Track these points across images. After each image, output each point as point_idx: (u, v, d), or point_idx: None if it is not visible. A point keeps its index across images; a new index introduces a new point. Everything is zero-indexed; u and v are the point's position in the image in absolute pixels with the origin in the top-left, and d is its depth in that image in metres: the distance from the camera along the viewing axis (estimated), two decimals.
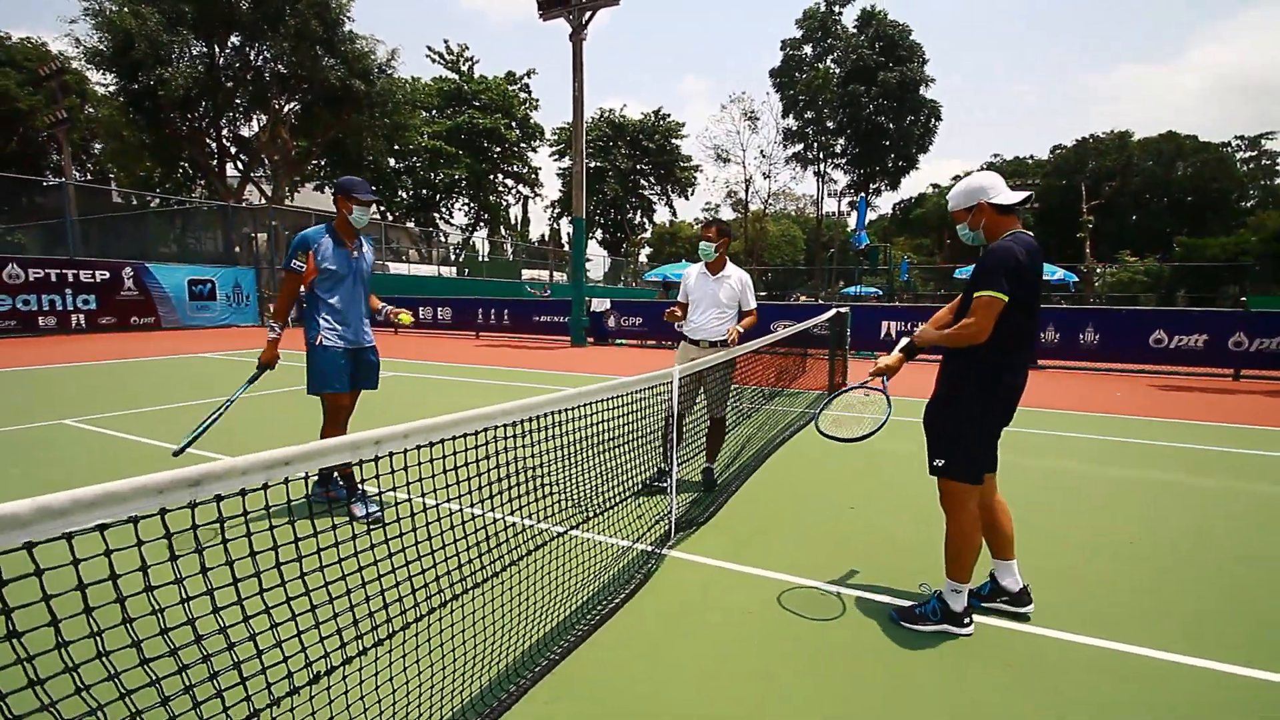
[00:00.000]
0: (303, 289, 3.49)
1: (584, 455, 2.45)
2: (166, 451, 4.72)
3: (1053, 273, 14.19)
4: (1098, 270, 37.12)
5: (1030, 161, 57.67)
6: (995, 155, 61.78)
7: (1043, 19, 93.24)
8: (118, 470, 4.33)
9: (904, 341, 2.70)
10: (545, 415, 2.00)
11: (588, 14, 13.22)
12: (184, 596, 1.12)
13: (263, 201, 24.73)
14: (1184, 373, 9.56)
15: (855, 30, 46.79)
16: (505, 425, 1.81)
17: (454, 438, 1.63)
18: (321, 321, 3.46)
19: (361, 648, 1.53)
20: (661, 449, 3.47)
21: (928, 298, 34.40)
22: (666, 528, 3.03)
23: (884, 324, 11.39)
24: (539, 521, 2.41)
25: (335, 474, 3.56)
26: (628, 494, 2.89)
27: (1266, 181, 48.06)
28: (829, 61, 47.62)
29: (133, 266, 15.95)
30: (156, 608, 1.09)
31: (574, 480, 2.52)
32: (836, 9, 47.42)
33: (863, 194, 16.79)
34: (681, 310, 4.09)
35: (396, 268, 30.66)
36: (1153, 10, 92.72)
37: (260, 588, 1.29)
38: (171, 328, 16.31)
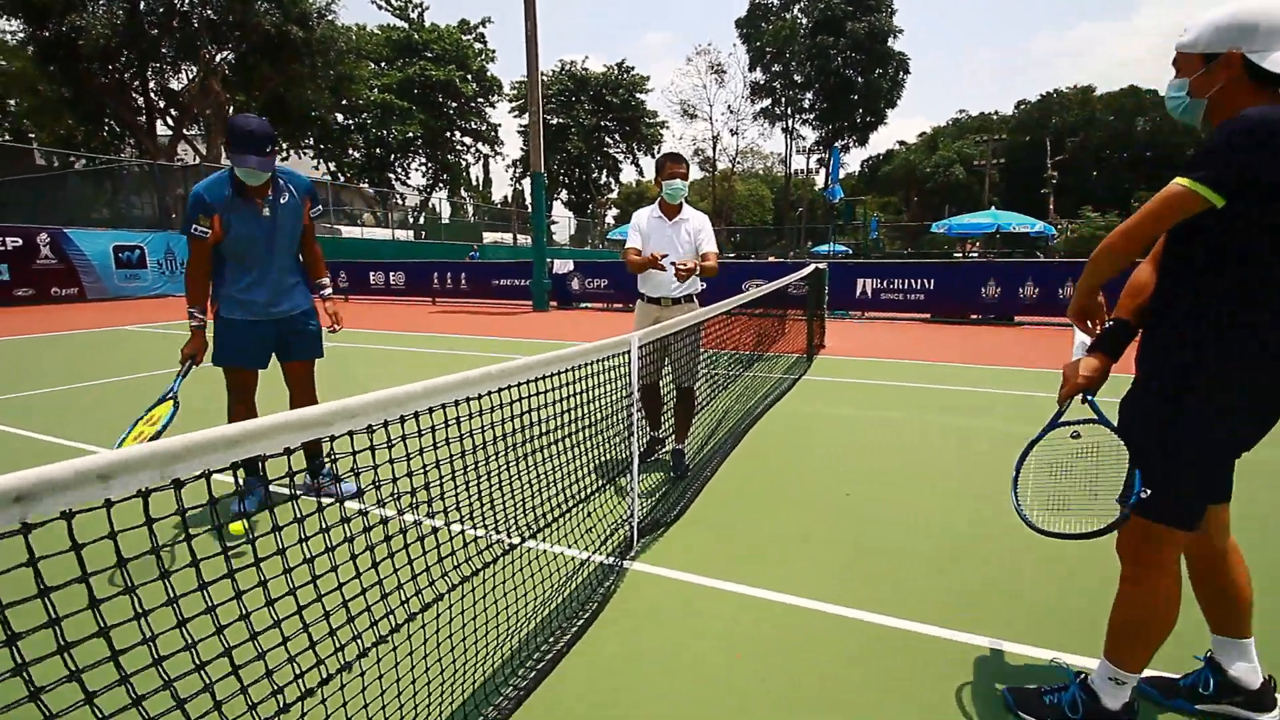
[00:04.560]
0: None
1: (521, 448, 1.93)
2: (60, 447, 4.04)
3: (1033, 225, 14.01)
4: (1061, 225, 37.53)
5: (995, 117, 57.57)
6: (961, 111, 61.61)
7: None
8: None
9: (1085, 330, 1.68)
10: (461, 401, 1.46)
11: None
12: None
13: (197, 160, 22.91)
14: None
15: None
16: (405, 417, 1.28)
17: (334, 437, 1.11)
18: (223, 291, 2.89)
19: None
20: (629, 430, 2.90)
21: (896, 256, 34.34)
22: (627, 533, 2.47)
23: (859, 282, 10.97)
24: (452, 548, 1.89)
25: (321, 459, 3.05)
26: (584, 491, 2.38)
27: None
28: (796, 10, 46.21)
29: (48, 232, 14.53)
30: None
31: (510, 481, 2.00)
32: None
33: (835, 146, 16.22)
34: (637, 254, 3.52)
35: (349, 231, 29.14)
36: None
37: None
38: (98, 298, 15.02)
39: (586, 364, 2.01)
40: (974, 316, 10.53)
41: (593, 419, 2.26)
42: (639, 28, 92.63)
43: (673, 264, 3.27)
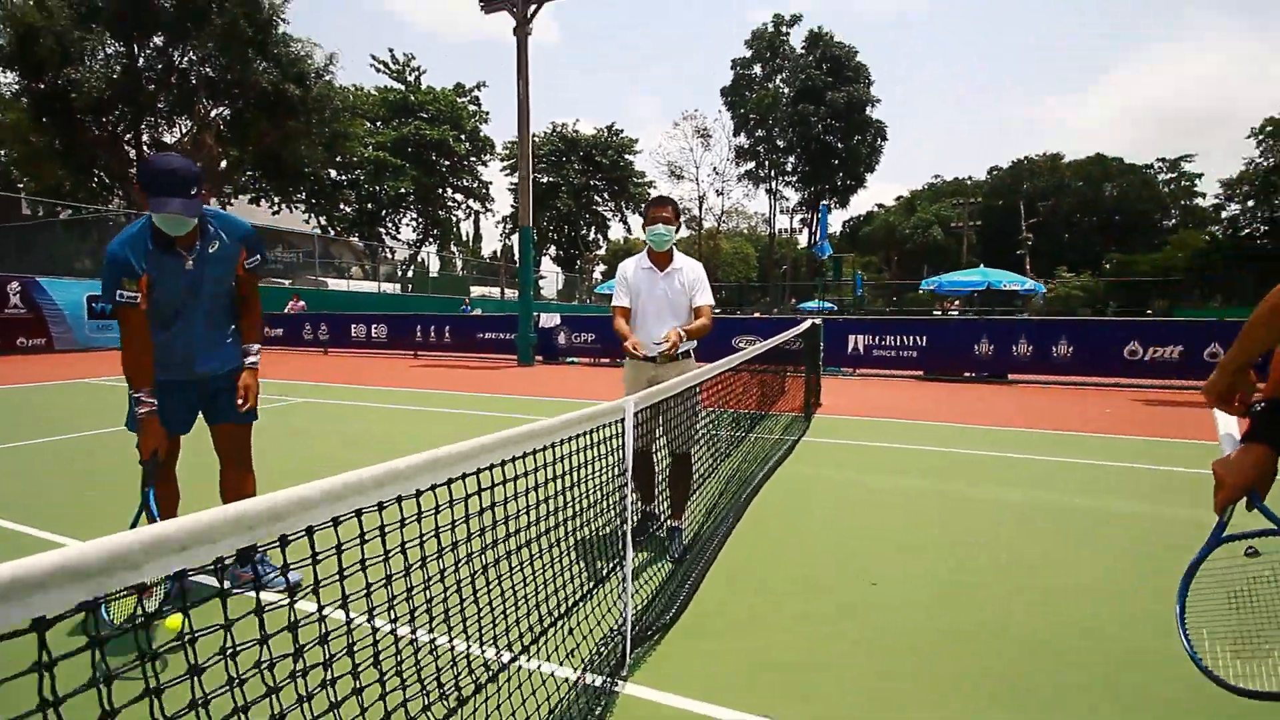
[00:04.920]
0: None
1: (499, 545, 1.58)
2: None
3: (1023, 283, 14.19)
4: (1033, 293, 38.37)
5: (969, 182, 59.93)
6: (936, 176, 64.04)
7: (971, 57, 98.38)
8: None
9: (1232, 412, 1.32)
10: (425, 491, 1.12)
11: (532, 6, 12.47)
12: None
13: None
14: (1161, 386, 9.31)
15: (803, 51, 47.83)
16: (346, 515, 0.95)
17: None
18: None
19: None
20: (621, 516, 2.40)
21: (877, 313, 34.78)
22: (620, 645, 2.00)
23: (851, 338, 10.83)
24: (417, 666, 1.50)
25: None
26: (568, 600, 1.99)
27: (1186, 202, 51.10)
28: (778, 81, 48.45)
29: (20, 281, 14.13)
30: None
31: (481, 585, 1.63)
32: (784, 30, 48.44)
33: (824, 203, 16.48)
34: (623, 316, 3.20)
35: (336, 284, 28.98)
36: (1066, 48, 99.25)
37: None
38: (66, 349, 14.48)
39: (572, 437, 1.68)
40: (967, 374, 10.38)
41: (578, 505, 1.91)
42: (629, 96, 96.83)
43: (657, 344, 2.96)
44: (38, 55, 19.73)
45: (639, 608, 2.38)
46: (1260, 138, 29.04)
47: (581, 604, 2.02)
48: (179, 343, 2.53)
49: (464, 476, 1.24)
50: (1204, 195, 49.59)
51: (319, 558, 1.01)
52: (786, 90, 47.74)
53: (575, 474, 1.84)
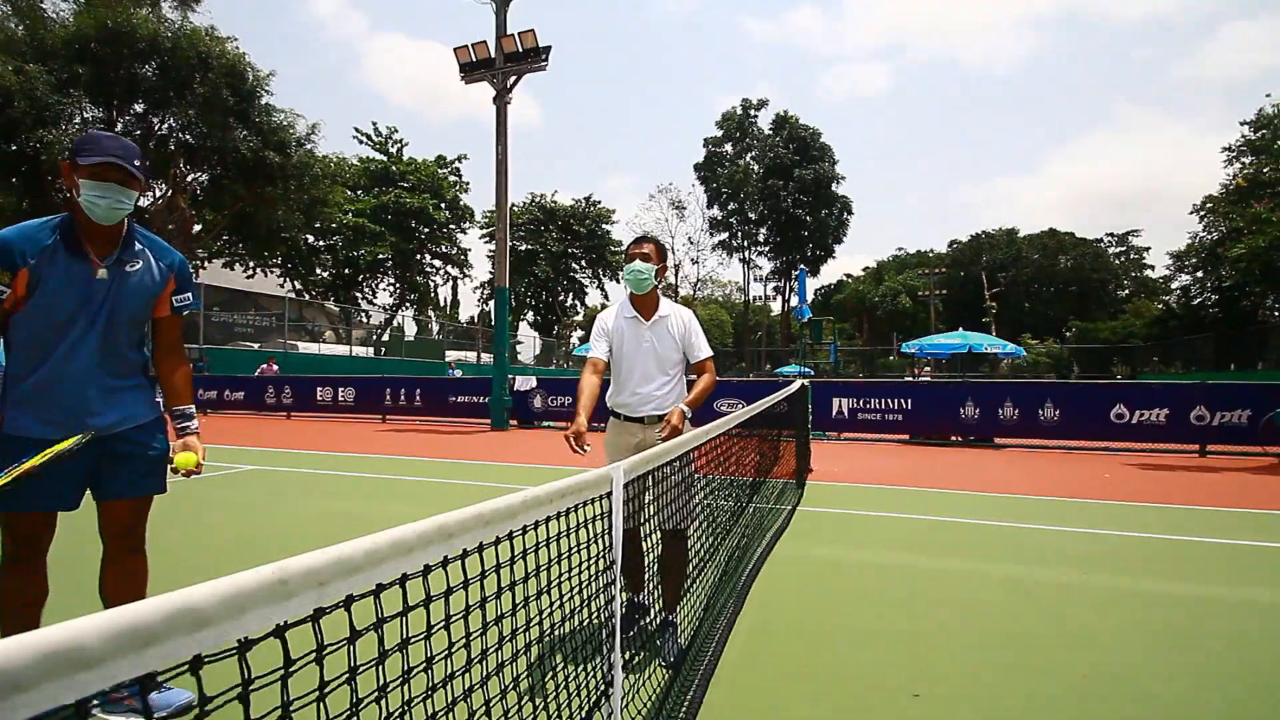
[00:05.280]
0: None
1: (449, 657, 1.12)
2: None
3: (1004, 346, 14.29)
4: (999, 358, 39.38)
5: (931, 254, 62.54)
6: (900, 249, 66.84)
7: (924, 141, 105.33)
8: None
9: None
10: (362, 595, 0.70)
11: (511, 79, 12.74)
12: None
13: None
14: (1148, 449, 9.15)
15: (771, 132, 50.45)
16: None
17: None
18: (7, 388, 1.91)
19: None
20: (607, 615, 1.74)
21: (852, 377, 35.11)
22: None
23: (835, 401, 10.58)
24: None
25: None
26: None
27: (1137, 273, 53.81)
28: (748, 158, 50.77)
29: None
30: None
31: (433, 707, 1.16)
32: (752, 113, 51.22)
33: (801, 268, 16.70)
34: (594, 371, 2.72)
35: (307, 347, 28.25)
36: (1011, 133, 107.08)
37: None
38: None
39: (547, 520, 1.27)
40: (954, 438, 10.14)
41: (551, 600, 1.47)
42: (606, 170, 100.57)
43: (660, 435, 2.59)
44: (10, 117, 19.53)
45: None
46: (1201, 214, 30.88)
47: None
48: (65, 381, 1.90)
49: (378, 591, 0.82)
50: (1153, 267, 52.42)
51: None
52: (756, 167, 50.01)
53: (546, 568, 1.40)
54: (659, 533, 2.53)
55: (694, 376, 2.84)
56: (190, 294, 2.19)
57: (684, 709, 2.10)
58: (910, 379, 20.67)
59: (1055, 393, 9.44)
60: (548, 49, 12.48)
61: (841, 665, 2.55)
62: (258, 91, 23.27)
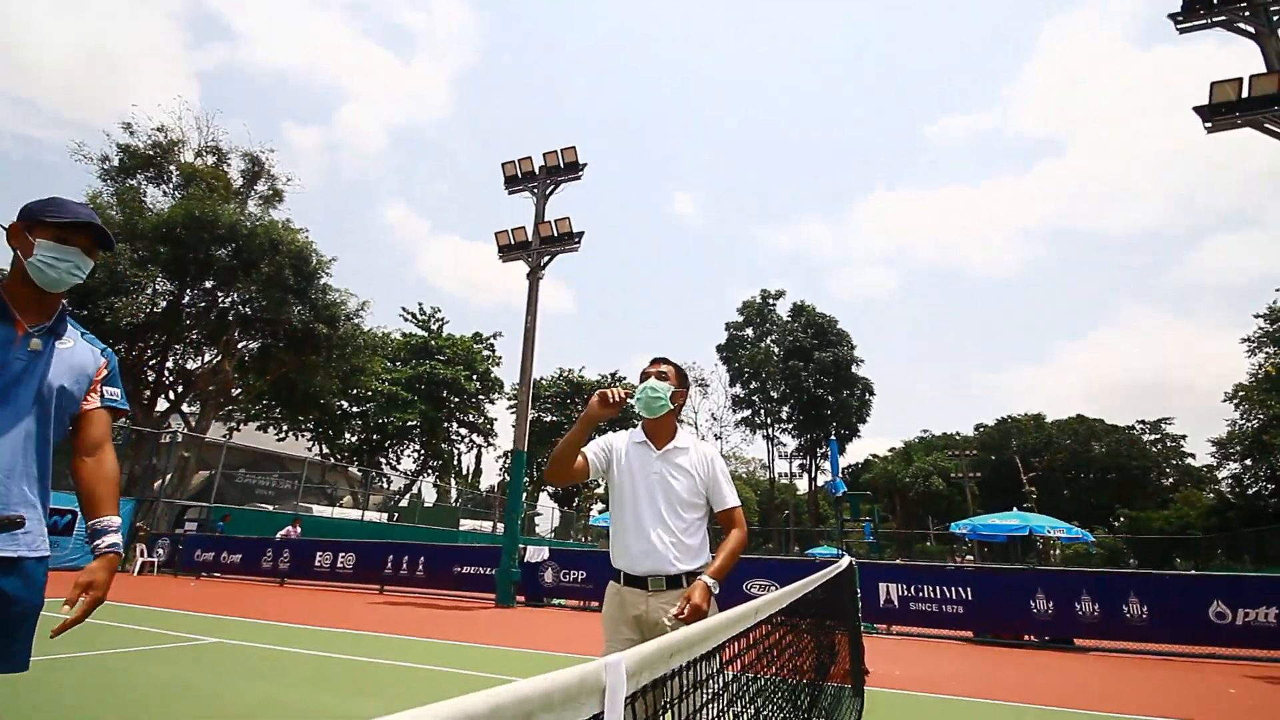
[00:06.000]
0: None
1: None
2: None
3: (1069, 529, 13.02)
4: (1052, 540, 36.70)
5: (958, 437, 61.54)
6: (925, 430, 66.04)
7: (935, 332, 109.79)
8: None
9: None
10: None
11: (545, 258, 13.77)
12: None
13: (182, 430, 22.56)
14: (1259, 658, 7.74)
15: (789, 318, 53.17)
16: None
17: None
18: None
19: None
20: None
21: (890, 562, 32.59)
22: None
23: (882, 587, 9.43)
24: None
25: None
26: None
27: (1178, 461, 51.68)
28: (769, 341, 52.96)
29: None
30: None
31: None
32: (771, 301, 54.55)
33: (833, 438, 16.21)
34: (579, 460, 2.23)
35: (321, 510, 27.54)
36: (1023, 328, 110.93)
37: None
38: None
39: None
40: (1027, 637, 8.79)
41: None
42: (631, 349, 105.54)
43: (673, 616, 1.98)
44: (86, 286, 21.39)
45: None
46: (1235, 401, 30.39)
47: None
48: None
49: None
50: (1194, 455, 50.41)
51: None
52: (776, 349, 51.91)
53: None
54: None
55: (727, 543, 2.22)
56: (119, 391, 1.90)
57: None
58: (953, 565, 18.89)
59: (1139, 585, 8.27)
60: (580, 233, 13.66)
61: None
62: (319, 273, 25.47)
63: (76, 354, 1.76)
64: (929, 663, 7.25)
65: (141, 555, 15.21)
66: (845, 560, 5.69)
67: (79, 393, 1.76)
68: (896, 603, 9.33)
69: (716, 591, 2.08)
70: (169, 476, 20.85)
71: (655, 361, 2.46)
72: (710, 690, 1.36)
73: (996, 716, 4.80)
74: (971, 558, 29.98)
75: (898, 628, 9.54)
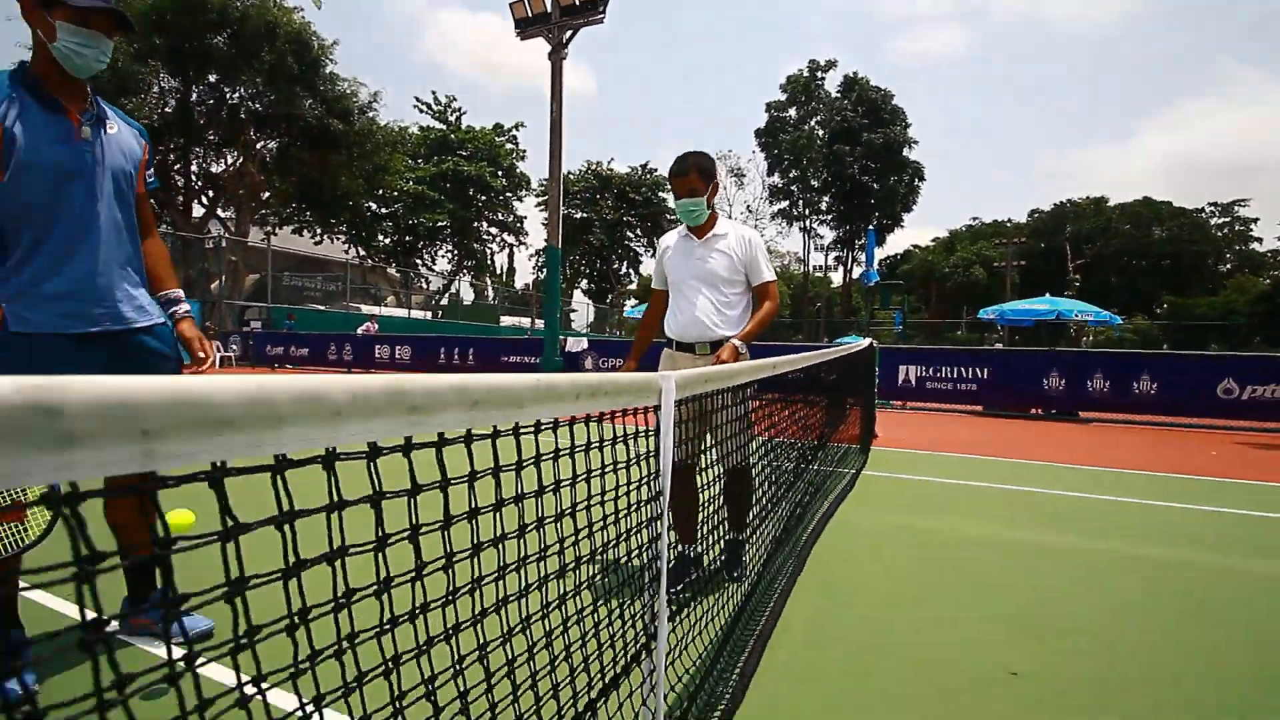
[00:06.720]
0: None
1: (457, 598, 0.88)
2: None
3: (1097, 313, 13.01)
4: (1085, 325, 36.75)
5: (1009, 224, 58.49)
6: (974, 218, 62.82)
7: (1006, 103, 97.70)
8: None
9: None
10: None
11: (568, 33, 12.33)
12: None
13: (223, 235, 23.28)
14: (1262, 428, 8.15)
15: (839, 95, 47.88)
16: None
17: None
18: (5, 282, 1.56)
19: None
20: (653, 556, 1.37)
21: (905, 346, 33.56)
22: None
23: (902, 369, 9.93)
24: None
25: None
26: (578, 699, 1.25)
27: (1241, 246, 48.81)
28: (813, 123, 48.47)
29: None
30: None
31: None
32: (819, 75, 48.70)
33: (870, 227, 15.76)
34: (659, 309, 2.70)
35: (369, 309, 29.21)
36: (1102, 98, 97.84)
37: None
38: None
39: (571, 422, 0.99)
40: (1035, 411, 9.36)
41: (578, 527, 1.19)
42: (663, 138, 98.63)
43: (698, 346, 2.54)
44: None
45: (678, 694, 1.63)
46: None
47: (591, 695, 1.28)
48: (78, 260, 1.57)
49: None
50: (1261, 240, 47.38)
51: None
52: (822, 132, 47.72)
53: (567, 486, 1.12)
54: (718, 468, 2.19)
55: (759, 311, 2.63)
56: (153, 170, 1.93)
57: (738, 669, 1.83)
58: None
59: (1153, 364, 8.48)
60: (605, 0, 11.97)
61: (920, 634, 2.22)
62: (322, 60, 23.77)
63: (123, 137, 1.76)
64: (934, 431, 7.88)
65: (219, 350, 16.81)
66: (866, 341, 5.94)
67: (133, 180, 1.79)
68: (914, 382, 9.87)
69: (744, 351, 2.47)
70: (223, 279, 22.02)
71: (681, 176, 2.54)
72: (734, 413, 2.18)
73: (989, 469, 5.34)
74: (1000, 345, 30.59)
75: (912, 404, 10.20)
